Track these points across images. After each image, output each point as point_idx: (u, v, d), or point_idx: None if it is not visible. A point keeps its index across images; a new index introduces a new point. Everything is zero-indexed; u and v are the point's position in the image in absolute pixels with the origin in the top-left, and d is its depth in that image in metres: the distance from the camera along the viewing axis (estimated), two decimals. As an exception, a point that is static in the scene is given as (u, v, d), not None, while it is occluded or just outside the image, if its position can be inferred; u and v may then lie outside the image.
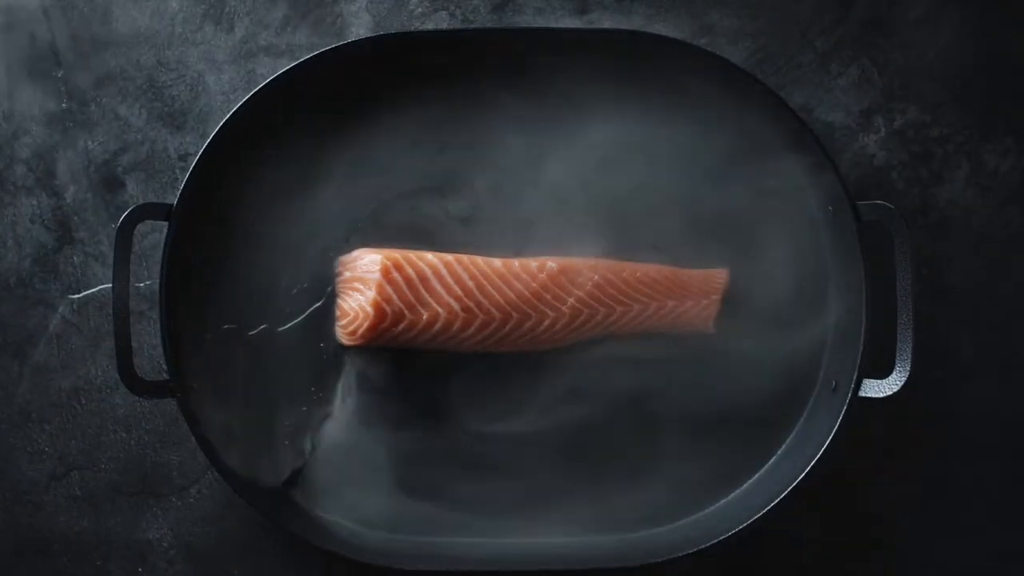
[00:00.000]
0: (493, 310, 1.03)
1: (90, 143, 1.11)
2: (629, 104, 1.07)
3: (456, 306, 1.03)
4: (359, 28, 1.12)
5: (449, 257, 1.04)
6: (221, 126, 1.03)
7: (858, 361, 1.01)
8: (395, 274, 1.03)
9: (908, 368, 0.99)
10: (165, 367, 1.01)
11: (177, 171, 1.11)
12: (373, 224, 1.08)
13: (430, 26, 1.12)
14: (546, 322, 1.04)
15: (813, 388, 1.08)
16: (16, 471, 1.09)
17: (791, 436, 1.07)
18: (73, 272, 1.11)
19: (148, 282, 1.10)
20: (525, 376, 1.07)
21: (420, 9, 1.12)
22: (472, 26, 1.11)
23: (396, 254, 1.04)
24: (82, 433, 1.10)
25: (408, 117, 1.08)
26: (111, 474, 1.09)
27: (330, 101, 1.07)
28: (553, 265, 1.05)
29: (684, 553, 1.01)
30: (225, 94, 1.11)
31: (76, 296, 1.11)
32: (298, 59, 1.05)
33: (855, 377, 1.01)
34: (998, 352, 1.10)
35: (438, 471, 1.06)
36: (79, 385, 1.10)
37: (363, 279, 1.04)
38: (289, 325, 1.07)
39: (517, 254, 1.06)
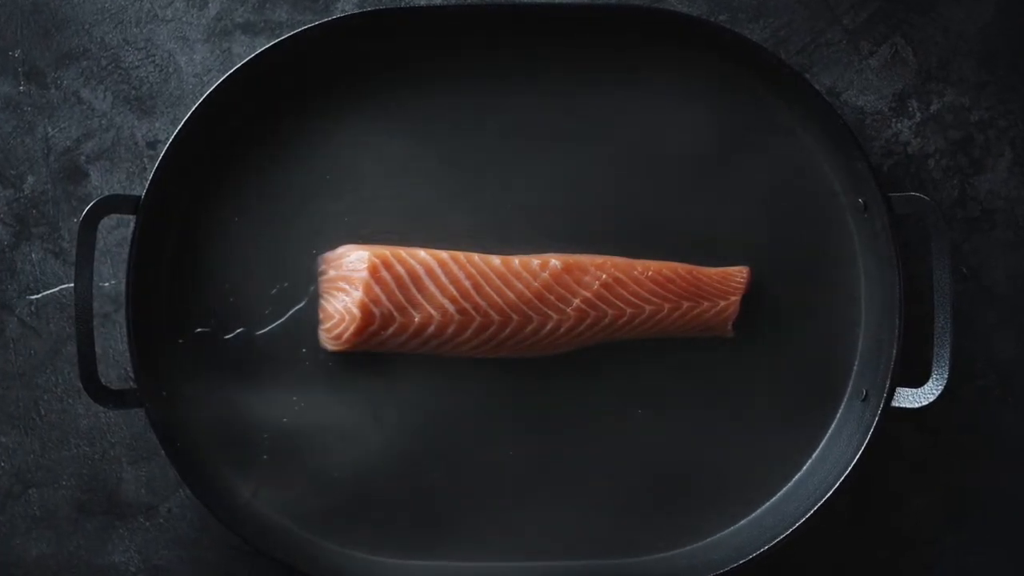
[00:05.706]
0: (491, 312, 1.01)
1: (50, 129, 1.09)
2: (640, 86, 1.06)
3: (451, 307, 1.01)
4: (345, 3, 1.10)
5: (443, 254, 1.02)
6: (194, 111, 1.01)
7: (891, 368, 1.00)
8: (384, 272, 1.01)
9: (945, 376, 0.98)
10: (132, 374, 1.00)
11: (145, 160, 1.09)
12: (360, 218, 1.05)
13: (423, 1, 1.09)
14: (549, 325, 1.02)
15: (841, 398, 1.06)
16: (-32, 489, 1.07)
17: (817, 450, 1.05)
18: (32, 271, 1.09)
19: (113, 281, 1.08)
20: (525, 383, 1.05)
21: (412, -17, 1.10)
22: (469, 0, 1.08)
23: (385, 251, 1.02)
24: (41, 447, 1.08)
25: (398, 100, 1.06)
26: (73, 492, 1.07)
27: (312, 83, 1.06)
28: (557, 263, 1.03)
29: (703, 578, 1.00)
30: (198, 76, 1.10)
31: (35, 297, 1.09)
32: (278, 37, 1.03)
33: (888, 386, 1.00)
34: (1044, 358, 1.08)
35: (430, 488, 1.05)
36: (38, 394, 1.08)
37: (349, 278, 1.01)
38: (268, 328, 1.05)
39: (517, 251, 1.04)
